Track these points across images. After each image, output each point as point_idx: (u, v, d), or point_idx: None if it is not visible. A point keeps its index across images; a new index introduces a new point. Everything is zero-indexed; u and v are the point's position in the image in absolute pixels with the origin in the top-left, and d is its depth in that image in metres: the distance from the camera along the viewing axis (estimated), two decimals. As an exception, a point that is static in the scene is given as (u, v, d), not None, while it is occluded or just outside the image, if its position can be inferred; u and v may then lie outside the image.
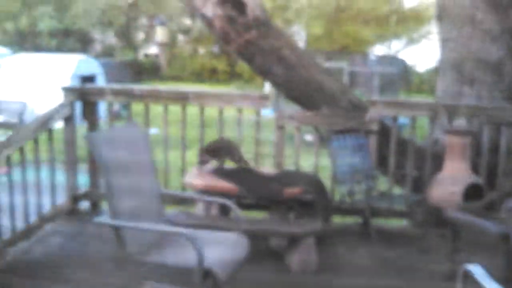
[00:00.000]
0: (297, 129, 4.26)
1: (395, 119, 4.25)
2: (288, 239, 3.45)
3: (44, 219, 4.00)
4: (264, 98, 4.36)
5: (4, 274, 3.30)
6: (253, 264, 2.81)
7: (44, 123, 4.01)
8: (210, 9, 3.62)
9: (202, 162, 3.87)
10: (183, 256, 2.53)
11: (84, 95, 4.35)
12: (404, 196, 4.30)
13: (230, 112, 4.42)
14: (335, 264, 3.57)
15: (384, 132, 4.20)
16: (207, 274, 2.43)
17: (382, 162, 4.22)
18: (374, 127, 4.10)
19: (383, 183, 4.36)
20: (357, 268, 3.55)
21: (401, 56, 23.61)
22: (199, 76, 25.24)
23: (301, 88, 4.00)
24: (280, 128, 4.18)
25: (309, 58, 4.29)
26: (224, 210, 3.70)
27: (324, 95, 4.08)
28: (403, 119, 5.14)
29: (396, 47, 25.44)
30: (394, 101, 4.88)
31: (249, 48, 3.82)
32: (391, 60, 20.29)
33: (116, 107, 7.74)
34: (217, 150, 3.91)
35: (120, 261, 2.83)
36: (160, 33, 26.11)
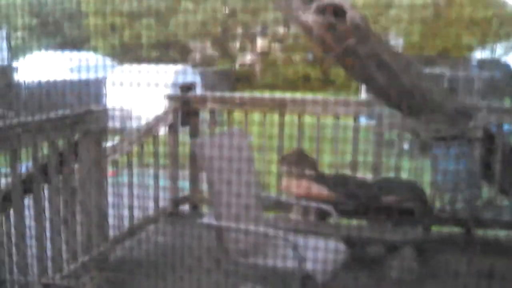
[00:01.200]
0: (398, 136, 4.18)
1: (500, 125, 4.06)
2: (387, 247, 3.40)
3: (147, 220, 4.20)
4: (362, 104, 4.33)
5: (111, 270, 3.50)
6: (351, 271, 2.79)
7: (150, 130, 4.21)
8: (310, 17, 3.64)
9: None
10: (282, 259, 2.57)
11: (186, 103, 4.53)
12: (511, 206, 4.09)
13: (327, 119, 4.41)
14: (436, 274, 3.46)
15: (489, 140, 4.01)
16: (306, 278, 2.46)
17: (486, 170, 4.04)
18: (479, 134, 3.94)
19: (487, 193, 4.17)
20: (460, 279, 3.41)
21: (505, 60, 22.36)
22: (292, 84, 25.34)
23: (402, 94, 3.92)
24: (379, 134, 4.12)
25: (410, 64, 4.20)
26: (321, 216, 3.70)
27: (426, 101, 3.96)
28: (509, 126, 4.89)
29: (499, 51, 24.19)
30: (500, 107, 4.67)
31: (348, 55, 3.80)
32: (494, 64, 19.25)
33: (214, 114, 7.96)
34: (293, 161, 3.94)
35: (219, 262, 2.91)
36: (260, 43, 26.59)
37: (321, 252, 2.67)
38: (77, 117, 3.31)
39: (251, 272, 2.71)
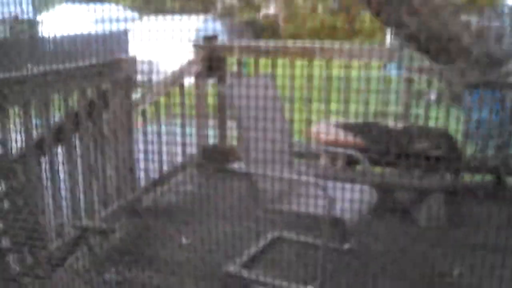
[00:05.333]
0: (428, 83, 4.11)
1: (534, 71, 3.95)
2: (415, 193, 3.39)
3: (176, 169, 4.25)
4: (391, 51, 4.24)
5: (142, 218, 3.57)
6: (380, 217, 2.80)
7: (176, 79, 4.20)
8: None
9: None
10: (312, 204, 2.58)
11: (213, 52, 4.49)
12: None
13: (354, 67, 4.33)
14: (465, 221, 3.45)
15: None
16: (335, 222, 2.47)
17: (518, 117, 3.96)
18: (510, 81, 3.84)
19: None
20: (488, 226, 3.40)
21: (538, 7, 21.52)
22: (317, 33, 24.92)
23: (434, 40, 3.82)
24: (408, 81, 4.05)
25: (442, 9, 4.08)
26: (349, 163, 3.69)
27: (458, 47, 3.87)
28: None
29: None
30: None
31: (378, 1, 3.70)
32: (526, 12, 18.58)
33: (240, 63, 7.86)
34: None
35: (250, 209, 2.93)
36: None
37: (351, 197, 2.68)
38: (105, 66, 3.31)
39: (281, 218, 2.73)
